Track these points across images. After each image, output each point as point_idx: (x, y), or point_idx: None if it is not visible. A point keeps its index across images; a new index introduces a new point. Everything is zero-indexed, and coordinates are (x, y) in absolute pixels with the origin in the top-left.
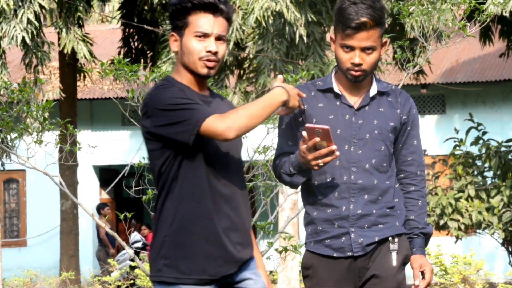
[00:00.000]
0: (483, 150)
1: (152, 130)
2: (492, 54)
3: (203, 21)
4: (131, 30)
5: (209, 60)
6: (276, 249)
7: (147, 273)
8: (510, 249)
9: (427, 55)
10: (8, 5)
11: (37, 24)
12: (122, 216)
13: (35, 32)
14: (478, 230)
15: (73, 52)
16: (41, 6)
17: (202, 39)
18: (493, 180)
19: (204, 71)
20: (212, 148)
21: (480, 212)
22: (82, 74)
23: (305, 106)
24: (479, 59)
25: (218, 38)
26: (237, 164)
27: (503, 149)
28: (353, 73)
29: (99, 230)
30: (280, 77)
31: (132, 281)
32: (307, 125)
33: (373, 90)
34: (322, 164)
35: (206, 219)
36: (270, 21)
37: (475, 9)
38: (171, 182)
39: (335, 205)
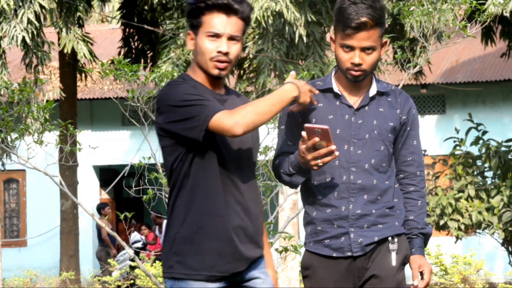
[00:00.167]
0: (483, 150)
1: (164, 127)
2: (492, 54)
3: (215, 21)
4: (131, 30)
5: (220, 61)
6: (276, 249)
7: (147, 273)
8: (510, 249)
9: (427, 55)
10: (8, 5)
11: (37, 24)
12: (122, 216)
13: (35, 32)
14: (478, 230)
15: (73, 52)
16: (41, 6)
17: (214, 39)
18: (493, 180)
19: (215, 72)
20: (225, 146)
21: (480, 212)
22: (82, 74)
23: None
24: (479, 59)
25: (231, 38)
26: (249, 162)
27: (503, 149)
28: (353, 73)
29: (100, 230)
30: (292, 73)
31: (132, 281)
32: (306, 125)
33: (373, 90)
34: (321, 164)
35: (217, 216)
36: (270, 21)
37: (476, 10)
38: (183, 179)
39: (335, 205)
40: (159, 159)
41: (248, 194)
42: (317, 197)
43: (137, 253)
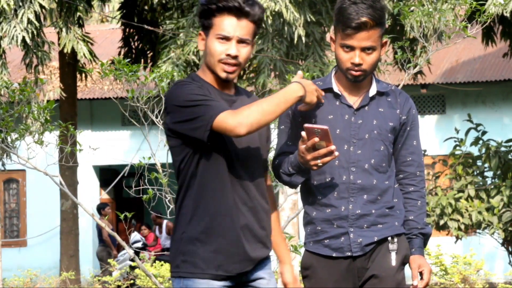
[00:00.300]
0: (483, 150)
1: (171, 127)
2: (492, 54)
3: (225, 24)
4: (131, 30)
5: (228, 64)
6: None
7: (147, 273)
8: (510, 249)
9: (428, 56)
10: (8, 5)
11: (37, 24)
12: (122, 216)
13: (35, 32)
14: (478, 230)
15: (73, 52)
16: (42, 6)
17: (223, 41)
18: (493, 180)
19: (222, 75)
20: (232, 146)
21: (480, 212)
22: (82, 74)
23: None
24: (479, 59)
25: (241, 41)
26: (257, 161)
27: (503, 149)
28: (353, 73)
29: (101, 230)
30: (299, 73)
31: (132, 281)
32: (306, 125)
33: (373, 90)
34: (321, 164)
35: (224, 216)
36: (270, 21)
37: (476, 10)
38: (190, 179)
39: (334, 205)
40: (159, 159)
41: (255, 194)
42: (317, 197)
43: (137, 253)
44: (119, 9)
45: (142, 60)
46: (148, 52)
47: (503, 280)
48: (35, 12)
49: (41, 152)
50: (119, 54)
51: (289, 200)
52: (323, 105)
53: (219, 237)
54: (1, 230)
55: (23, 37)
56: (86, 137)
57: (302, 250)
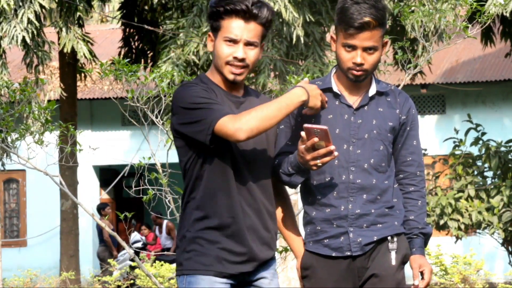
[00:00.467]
0: (483, 151)
1: (176, 128)
2: (492, 54)
3: (233, 27)
4: (131, 30)
5: (235, 66)
6: (277, 249)
7: (147, 273)
8: (510, 249)
9: (428, 56)
10: (8, 5)
11: (37, 24)
12: (122, 216)
13: (35, 32)
14: (478, 230)
15: (73, 52)
16: (42, 6)
17: (231, 44)
18: (493, 180)
19: (230, 77)
20: (238, 148)
21: (480, 212)
22: (82, 74)
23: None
24: (479, 59)
25: (248, 43)
26: (264, 163)
27: (503, 149)
28: (355, 72)
29: (102, 231)
30: (305, 79)
31: (132, 281)
32: (306, 125)
33: (372, 90)
34: (320, 164)
35: (228, 217)
36: None
37: (476, 11)
38: (195, 180)
39: (334, 204)
40: (159, 159)
41: (260, 196)
42: (317, 197)
43: (137, 253)
44: (119, 9)
45: (142, 60)
46: (148, 52)
47: (503, 280)
48: (35, 12)
49: (41, 152)
50: (119, 54)
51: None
52: (325, 109)
53: (222, 237)
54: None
55: (23, 37)
56: (86, 137)
57: None
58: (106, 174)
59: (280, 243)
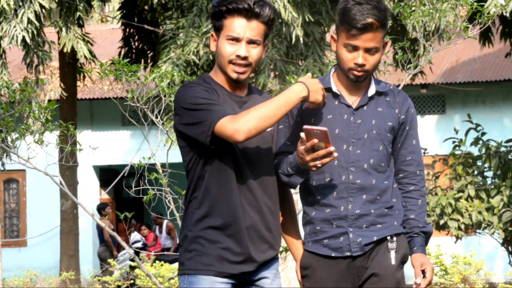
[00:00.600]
0: (483, 151)
1: (178, 128)
2: (492, 54)
3: (235, 25)
4: (132, 30)
5: (238, 64)
6: None
7: (147, 273)
8: (510, 249)
9: (429, 56)
10: (8, 4)
11: (37, 24)
12: (122, 216)
13: (35, 32)
14: (478, 230)
15: (73, 52)
16: (42, 6)
17: (233, 42)
18: (493, 180)
19: (233, 75)
20: (240, 147)
21: (480, 212)
22: (82, 74)
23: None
24: (479, 59)
25: (251, 42)
26: (267, 161)
27: (503, 149)
28: (356, 73)
29: (102, 231)
30: (308, 74)
31: (132, 281)
32: (305, 126)
33: (372, 90)
34: (320, 165)
35: (229, 217)
36: None
37: (477, 11)
38: (197, 180)
39: (334, 205)
40: (159, 159)
41: (262, 195)
42: (316, 197)
43: (137, 253)
44: (119, 9)
45: (142, 60)
46: (148, 52)
47: (503, 280)
48: (35, 12)
49: (41, 152)
50: (119, 54)
51: None
52: (325, 109)
53: (224, 238)
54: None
55: (23, 37)
56: (86, 137)
57: None
58: (106, 174)
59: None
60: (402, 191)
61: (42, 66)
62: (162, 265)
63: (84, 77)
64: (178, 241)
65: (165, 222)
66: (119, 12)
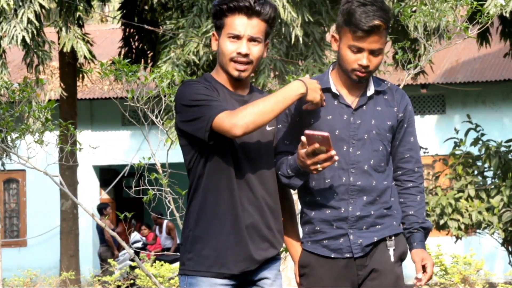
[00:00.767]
0: (483, 151)
1: (179, 126)
2: (492, 54)
3: (236, 23)
4: (132, 30)
5: (239, 62)
6: None
7: (147, 273)
8: (510, 249)
9: (429, 56)
10: (8, 4)
11: (37, 24)
12: (122, 216)
13: (35, 32)
14: (478, 230)
15: (73, 52)
16: (41, 6)
17: (234, 40)
18: (493, 180)
19: (234, 73)
20: (241, 144)
21: (480, 212)
22: (82, 74)
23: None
24: (479, 59)
25: (252, 39)
26: (268, 157)
27: (503, 149)
28: (359, 74)
29: (103, 231)
30: (307, 75)
31: (132, 281)
32: (307, 131)
33: (371, 90)
34: (321, 168)
35: (229, 216)
36: None
37: (477, 11)
38: (198, 179)
39: (334, 206)
40: (159, 159)
41: (262, 193)
42: (316, 198)
43: (137, 253)
44: (119, 9)
45: (142, 60)
46: (148, 52)
47: (503, 280)
48: (35, 11)
49: (41, 152)
50: (119, 54)
51: None
52: (324, 109)
53: (224, 237)
54: (1, 230)
55: (23, 36)
56: (86, 137)
57: None
58: (106, 174)
59: None
60: (400, 188)
61: (42, 66)
62: (162, 265)
63: (83, 77)
64: (178, 241)
65: (165, 222)
66: (119, 12)
